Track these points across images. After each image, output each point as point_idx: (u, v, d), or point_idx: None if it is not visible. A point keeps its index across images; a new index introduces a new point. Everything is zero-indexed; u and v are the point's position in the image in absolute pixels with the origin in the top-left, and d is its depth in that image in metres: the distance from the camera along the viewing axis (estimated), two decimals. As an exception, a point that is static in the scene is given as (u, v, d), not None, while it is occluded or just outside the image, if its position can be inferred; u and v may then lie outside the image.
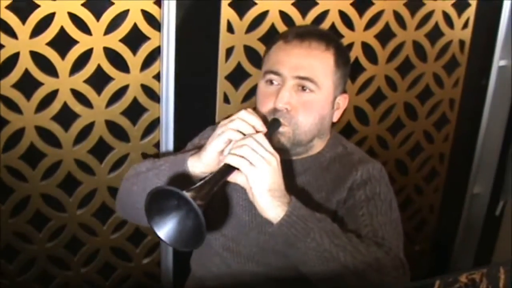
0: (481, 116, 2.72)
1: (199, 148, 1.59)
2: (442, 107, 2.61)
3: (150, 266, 2.34)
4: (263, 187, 1.45)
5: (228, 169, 1.44)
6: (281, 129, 1.62)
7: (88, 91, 1.99)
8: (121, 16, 1.95)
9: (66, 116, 1.99)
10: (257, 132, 1.50)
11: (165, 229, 1.38)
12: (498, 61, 2.64)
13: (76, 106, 1.99)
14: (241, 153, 1.44)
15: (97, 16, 1.91)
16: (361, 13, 2.26)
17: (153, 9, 1.98)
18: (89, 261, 2.24)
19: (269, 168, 1.45)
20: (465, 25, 2.50)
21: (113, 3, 1.91)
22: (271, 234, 1.51)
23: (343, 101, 1.73)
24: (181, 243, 1.39)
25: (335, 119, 1.74)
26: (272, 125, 1.59)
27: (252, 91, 2.16)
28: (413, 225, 2.80)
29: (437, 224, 2.86)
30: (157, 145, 2.15)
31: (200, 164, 1.53)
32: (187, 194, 1.29)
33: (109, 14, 1.92)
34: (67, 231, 2.15)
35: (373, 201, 1.65)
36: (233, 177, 1.47)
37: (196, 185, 1.36)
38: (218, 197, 1.36)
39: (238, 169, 1.45)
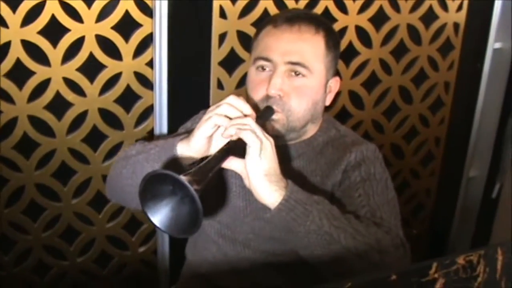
0: (476, 99, 2.72)
1: (190, 132, 1.58)
2: (437, 90, 2.61)
3: (146, 254, 2.34)
4: (259, 172, 1.43)
5: (223, 154, 1.43)
6: (274, 116, 1.61)
7: (81, 80, 1.98)
8: (113, 3, 1.93)
9: (59, 105, 1.98)
10: (245, 116, 1.48)
11: (159, 215, 1.36)
12: (493, 44, 2.63)
13: (69, 95, 1.98)
14: (240, 135, 1.42)
15: (89, 4, 1.90)
16: (354, -4, 2.25)
17: (145, -4, 1.97)
18: (85, 251, 2.23)
19: (265, 153, 1.43)
20: (460, 8, 2.49)
21: (104, -10, 1.91)
22: (269, 220, 1.50)
23: (335, 84, 1.72)
24: (176, 230, 1.38)
25: (327, 103, 1.73)
26: (265, 112, 1.59)
27: (246, 77, 2.14)
28: (409, 209, 2.80)
29: (433, 208, 2.87)
30: (151, 132, 2.14)
31: (189, 150, 1.51)
32: (184, 178, 1.28)
33: (100, 1, 1.91)
34: (63, 220, 2.14)
35: (368, 181, 1.64)
36: (228, 163, 1.45)
37: (192, 170, 1.35)
38: (212, 184, 1.34)
39: (232, 155, 1.43)
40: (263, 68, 1.64)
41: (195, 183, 1.28)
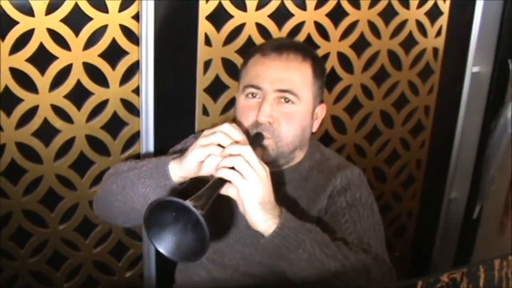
0: (456, 122, 2.76)
1: (181, 152, 1.59)
2: (417, 114, 2.65)
3: (133, 279, 2.34)
4: (254, 200, 1.44)
5: (221, 181, 1.44)
6: (264, 142, 1.63)
7: (68, 107, 1.99)
8: (100, 31, 1.96)
9: (46, 132, 2.00)
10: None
11: (164, 243, 1.38)
12: (471, 68, 2.67)
13: (57, 122, 1.99)
14: (233, 164, 1.44)
15: (76, 32, 1.92)
16: (336, 23, 2.28)
17: (131, 24, 1.99)
18: (72, 276, 2.23)
19: (260, 181, 1.44)
20: (438, 33, 2.54)
21: (91, 19, 1.92)
22: (261, 247, 1.50)
23: (321, 111, 1.76)
24: (180, 256, 1.40)
25: (314, 129, 1.76)
26: (255, 139, 1.61)
27: (231, 103, 2.17)
28: (392, 232, 2.82)
29: (415, 230, 2.89)
30: (138, 158, 2.15)
31: (181, 170, 1.54)
32: (189, 204, 1.29)
33: (88, 30, 1.93)
34: (50, 246, 2.15)
35: (354, 207, 1.67)
36: (224, 190, 1.46)
37: (193, 196, 1.36)
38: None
39: (229, 181, 1.44)
40: (253, 95, 1.67)
41: (200, 208, 1.30)
